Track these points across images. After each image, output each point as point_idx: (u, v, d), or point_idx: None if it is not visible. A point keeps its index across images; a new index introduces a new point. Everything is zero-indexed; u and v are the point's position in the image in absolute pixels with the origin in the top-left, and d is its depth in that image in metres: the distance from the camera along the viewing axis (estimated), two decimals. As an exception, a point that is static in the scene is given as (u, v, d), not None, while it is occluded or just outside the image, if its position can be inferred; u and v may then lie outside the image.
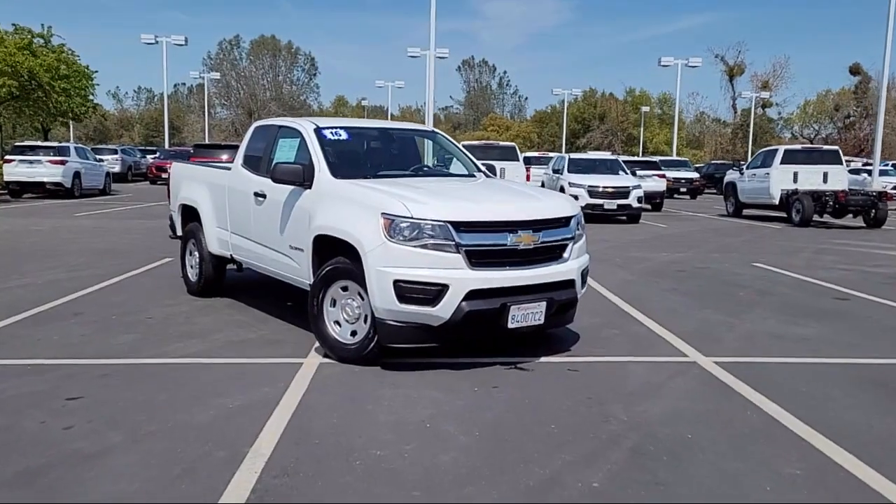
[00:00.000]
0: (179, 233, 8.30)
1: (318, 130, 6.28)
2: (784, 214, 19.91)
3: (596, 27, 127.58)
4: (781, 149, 20.68)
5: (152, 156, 39.90)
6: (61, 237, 13.00)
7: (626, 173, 20.45)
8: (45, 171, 22.92)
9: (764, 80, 69.81)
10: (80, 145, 26.83)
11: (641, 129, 70.91)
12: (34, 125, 38.30)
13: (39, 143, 26.41)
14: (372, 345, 5.24)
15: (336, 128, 6.41)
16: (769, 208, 20.65)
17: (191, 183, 7.94)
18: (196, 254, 7.79)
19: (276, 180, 5.93)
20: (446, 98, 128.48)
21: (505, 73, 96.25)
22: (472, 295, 4.98)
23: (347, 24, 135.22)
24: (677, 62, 42.96)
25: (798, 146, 22.32)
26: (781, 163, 19.82)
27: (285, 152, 6.52)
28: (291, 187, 6.00)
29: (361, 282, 5.20)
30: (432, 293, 4.94)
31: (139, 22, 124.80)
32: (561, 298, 5.43)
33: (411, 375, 5.14)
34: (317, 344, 5.73)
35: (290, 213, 6.01)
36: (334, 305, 5.49)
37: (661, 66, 42.74)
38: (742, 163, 22.62)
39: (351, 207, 5.37)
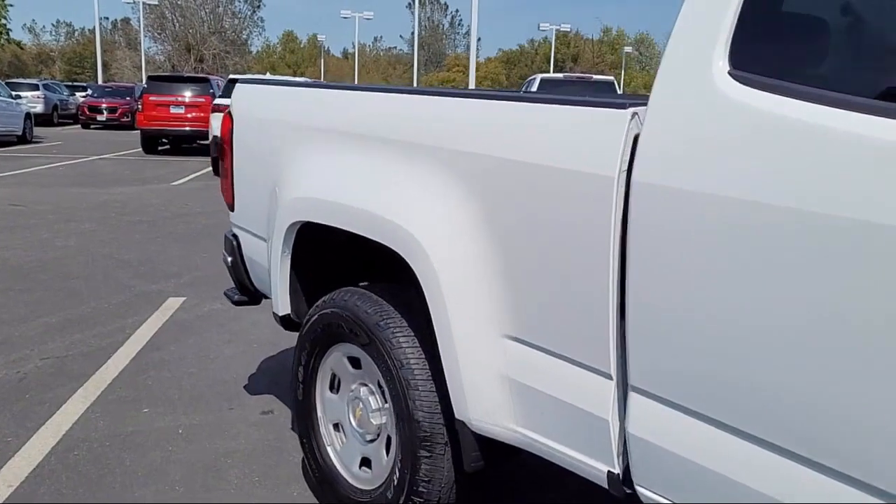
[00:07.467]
0: (286, 310, 2.52)
1: None
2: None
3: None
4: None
5: (83, 93, 32.57)
6: (-57, 232, 6.92)
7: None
8: (-61, 111, 16.20)
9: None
10: (-13, 77, 19.92)
11: (622, 72, 65.41)
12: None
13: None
14: None
15: None
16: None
17: (370, 149, 2.13)
18: (389, 408, 2.11)
19: None
20: (395, 38, 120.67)
21: (457, 11, 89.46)
22: None
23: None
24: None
25: None
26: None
27: None
28: None
29: None
30: None
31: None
32: None
33: None
34: None
35: None
36: None
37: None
38: None
39: None
